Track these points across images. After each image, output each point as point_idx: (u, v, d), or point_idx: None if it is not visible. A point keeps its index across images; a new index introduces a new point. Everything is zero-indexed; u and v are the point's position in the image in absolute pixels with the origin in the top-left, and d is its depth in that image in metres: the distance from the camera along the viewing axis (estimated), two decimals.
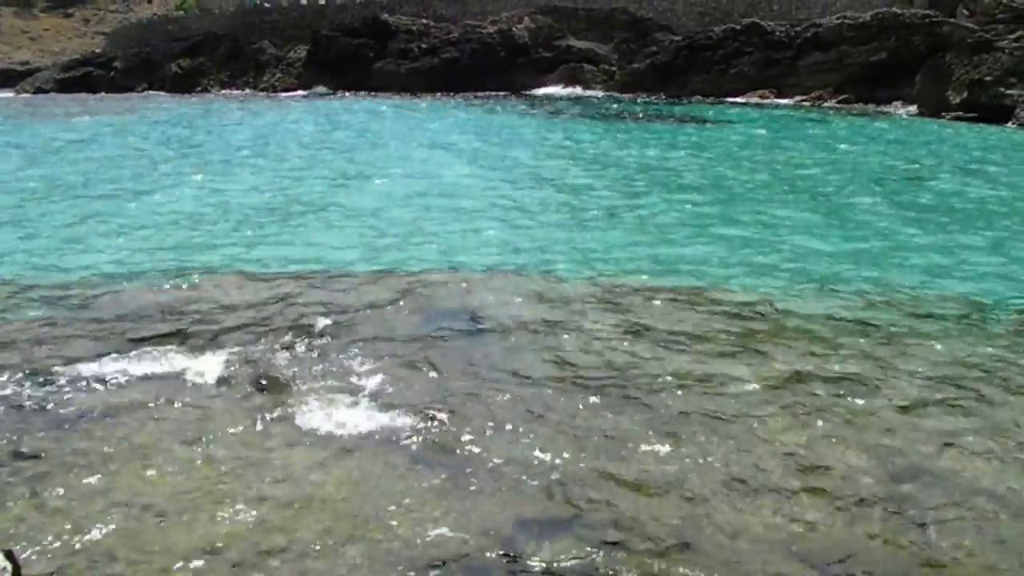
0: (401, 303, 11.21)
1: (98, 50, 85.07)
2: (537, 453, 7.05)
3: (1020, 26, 49.37)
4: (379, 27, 64.28)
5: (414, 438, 7.30)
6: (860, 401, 8.20)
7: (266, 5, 74.56)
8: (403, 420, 7.64)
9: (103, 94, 68.15)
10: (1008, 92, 40.25)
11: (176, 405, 8.00)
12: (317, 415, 7.71)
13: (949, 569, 5.72)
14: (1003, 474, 6.90)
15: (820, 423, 7.71)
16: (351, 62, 62.38)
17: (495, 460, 6.94)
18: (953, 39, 47.02)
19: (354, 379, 8.59)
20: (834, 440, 7.39)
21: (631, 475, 6.74)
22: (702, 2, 60.21)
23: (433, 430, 7.47)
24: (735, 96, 51.68)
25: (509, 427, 7.51)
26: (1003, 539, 6.06)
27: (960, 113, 41.42)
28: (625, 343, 9.66)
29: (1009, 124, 38.22)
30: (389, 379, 8.58)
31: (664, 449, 7.17)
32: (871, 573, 5.66)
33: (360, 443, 7.21)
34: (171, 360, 9.09)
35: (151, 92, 68.13)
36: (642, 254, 14.22)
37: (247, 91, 65.14)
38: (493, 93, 56.07)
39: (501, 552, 5.76)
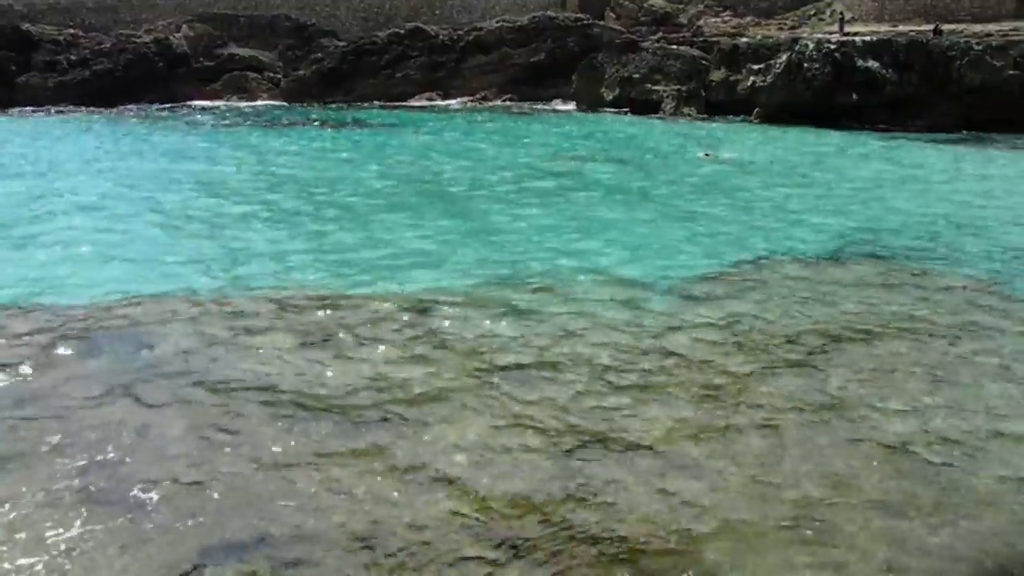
0: (55, 340, 10.18)
1: None
2: (210, 478, 6.65)
3: (660, 28, 53.10)
4: (20, 37, 58.64)
5: (80, 483, 6.63)
6: (533, 390, 8.28)
7: None
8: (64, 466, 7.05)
9: None
10: (654, 88, 43.12)
11: None
12: None
13: (628, 527, 5.88)
14: (676, 439, 7.30)
15: (495, 414, 7.78)
16: None
17: (171, 493, 6.47)
18: (603, 40, 49.69)
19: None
20: (512, 427, 7.49)
21: (307, 487, 6.53)
22: (364, 7, 59.85)
23: (102, 471, 6.80)
24: (404, 100, 51.65)
25: (185, 460, 6.94)
26: (673, 493, 6.35)
27: (615, 108, 43.80)
28: (299, 355, 9.22)
29: (658, 115, 41.56)
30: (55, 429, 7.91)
31: (341, 459, 6.97)
32: (560, 546, 5.77)
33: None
34: None
35: None
36: (303, 265, 13.83)
37: None
38: (150, 106, 52.45)
39: None
